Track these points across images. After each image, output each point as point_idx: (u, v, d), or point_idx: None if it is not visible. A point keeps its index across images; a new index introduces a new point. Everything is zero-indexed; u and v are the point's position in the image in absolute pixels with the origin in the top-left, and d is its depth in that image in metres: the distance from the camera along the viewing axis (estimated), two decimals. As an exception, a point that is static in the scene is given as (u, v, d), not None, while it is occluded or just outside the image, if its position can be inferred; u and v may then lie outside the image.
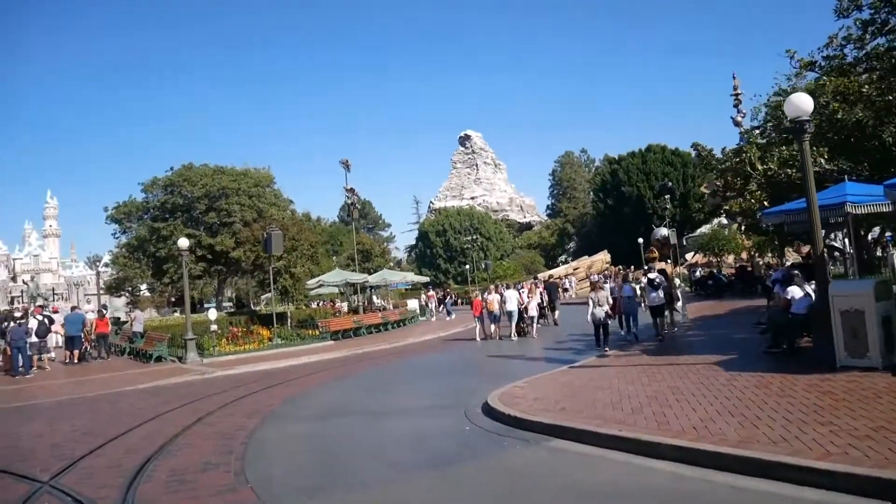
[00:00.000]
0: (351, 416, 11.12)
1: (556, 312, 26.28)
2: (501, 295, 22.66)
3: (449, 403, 11.60)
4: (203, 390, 15.58)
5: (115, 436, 10.47)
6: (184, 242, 22.50)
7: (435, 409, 11.26)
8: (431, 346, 23.42)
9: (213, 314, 24.89)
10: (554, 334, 22.76)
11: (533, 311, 22.76)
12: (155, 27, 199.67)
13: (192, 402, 13.81)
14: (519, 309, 22.24)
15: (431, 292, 42.34)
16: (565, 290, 42.99)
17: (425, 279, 43.46)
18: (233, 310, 42.06)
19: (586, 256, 67.08)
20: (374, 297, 41.20)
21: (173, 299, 52.38)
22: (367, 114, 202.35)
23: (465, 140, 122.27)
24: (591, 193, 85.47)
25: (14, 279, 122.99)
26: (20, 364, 20.71)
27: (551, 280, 29.37)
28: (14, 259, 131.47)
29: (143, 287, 52.52)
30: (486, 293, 23.88)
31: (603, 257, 62.21)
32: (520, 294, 22.78)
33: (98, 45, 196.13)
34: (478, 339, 22.80)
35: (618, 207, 69.26)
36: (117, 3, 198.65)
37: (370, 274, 41.48)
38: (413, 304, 40.11)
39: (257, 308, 49.65)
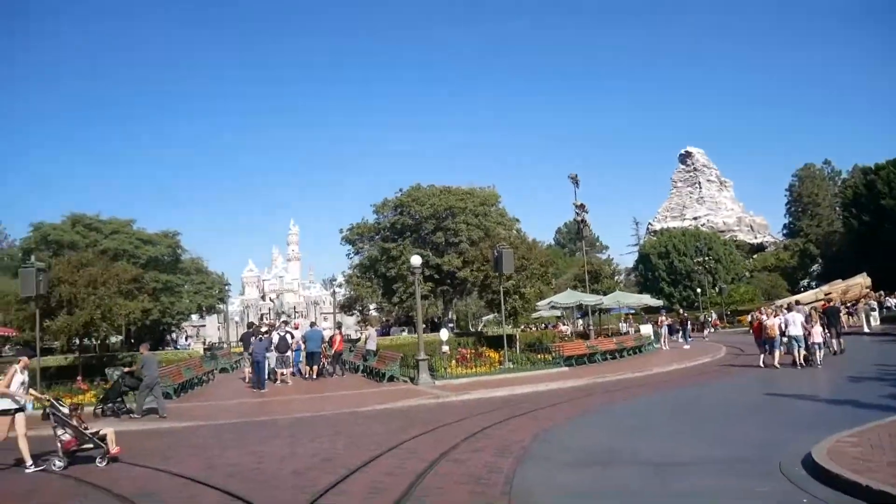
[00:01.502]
0: (625, 467, 8.90)
1: (841, 340, 22.38)
2: (783, 319, 19.50)
3: (749, 455, 8.96)
4: (440, 416, 14.31)
5: (357, 467, 9.31)
6: (416, 260, 21.91)
7: (734, 464, 8.66)
8: (685, 377, 20.36)
9: (444, 335, 24.12)
10: (842, 366, 18.80)
11: (818, 338, 19.14)
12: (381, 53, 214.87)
13: (432, 430, 12.51)
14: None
15: (663, 317, 38.62)
16: (850, 314, 37.49)
17: (658, 303, 39.95)
18: (457, 331, 41.79)
19: (840, 280, 58.24)
20: (623, 322, 38.49)
21: (384, 320, 53.91)
22: (580, 133, 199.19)
23: (685, 157, 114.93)
24: (841, 209, 75.34)
25: (263, 298, 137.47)
26: (261, 377, 21.48)
27: (831, 304, 24.83)
28: (263, 280, 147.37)
29: (373, 306, 54.64)
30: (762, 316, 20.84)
31: (862, 281, 53.41)
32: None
33: (334, 79, 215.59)
34: (762, 364, 19.95)
35: (876, 224, 59.87)
36: (354, 34, 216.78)
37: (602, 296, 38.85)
38: (646, 329, 36.74)
39: (476, 329, 49.18)
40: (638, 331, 36.28)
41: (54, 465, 10.51)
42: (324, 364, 24.64)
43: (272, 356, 23.22)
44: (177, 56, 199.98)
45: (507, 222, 44.90)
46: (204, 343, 59.84)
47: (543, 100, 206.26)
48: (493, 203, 45.15)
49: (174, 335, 54.18)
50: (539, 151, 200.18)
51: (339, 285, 58.58)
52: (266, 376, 22.46)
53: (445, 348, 22.55)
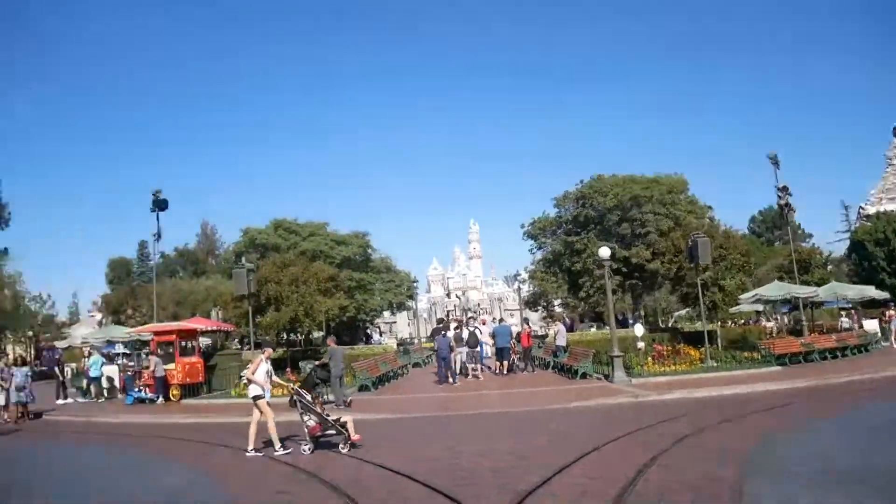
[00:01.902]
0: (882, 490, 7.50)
1: None
2: None
3: None
4: (641, 417, 13.38)
5: (559, 468, 8.80)
6: (605, 252, 20.96)
7: None
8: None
9: (639, 330, 22.93)
10: None
11: None
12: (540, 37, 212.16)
13: (635, 431, 11.67)
14: None
15: (892, 311, 33.82)
16: None
17: (884, 294, 35.04)
18: (647, 327, 39.80)
19: None
20: (843, 318, 34.48)
21: (569, 316, 52.53)
22: (778, 107, 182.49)
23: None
24: None
25: (448, 295, 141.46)
26: (445, 373, 21.79)
27: None
28: (448, 278, 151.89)
29: (557, 301, 53.83)
30: None
31: None
32: None
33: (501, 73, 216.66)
34: None
35: None
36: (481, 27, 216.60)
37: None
38: (870, 325, 32.39)
39: (668, 325, 46.52)
40: (861, 327, 32.05)
41: (303, 448, 11.13)
42: (514, 360, 24.45)
43: (463, 351, 23.46)
44: (363, 61, 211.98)
45: (698, 210, 41.97)
46: (396, 338, 62.56)
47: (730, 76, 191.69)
48: (682, 190, 42.40)
49: (369, 331, 57.23)
50: (726, 135, 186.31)
51: (523, 281, 58.47)
52: (458, 371, 22.74)
53: (641, 344, 21.36)
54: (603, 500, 7.15)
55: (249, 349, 27.20)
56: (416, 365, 30.81)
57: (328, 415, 11.51)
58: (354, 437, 11.12)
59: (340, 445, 11.08)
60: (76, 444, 15.36)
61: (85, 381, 25.03)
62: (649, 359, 21.51)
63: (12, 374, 18.86)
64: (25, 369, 19.57)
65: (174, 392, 21.97)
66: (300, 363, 23.96)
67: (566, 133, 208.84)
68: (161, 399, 21.71)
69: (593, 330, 40.45)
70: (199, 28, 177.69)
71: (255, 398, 11.55)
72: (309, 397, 11.63)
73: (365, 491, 8.29)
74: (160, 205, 29.73)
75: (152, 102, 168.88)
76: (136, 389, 22.18)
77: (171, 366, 22.38)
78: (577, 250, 40.43)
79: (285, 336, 27.14)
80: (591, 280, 39.12)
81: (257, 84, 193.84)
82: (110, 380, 24.73)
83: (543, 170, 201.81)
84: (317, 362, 19.46)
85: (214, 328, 28.57)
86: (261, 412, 11.54)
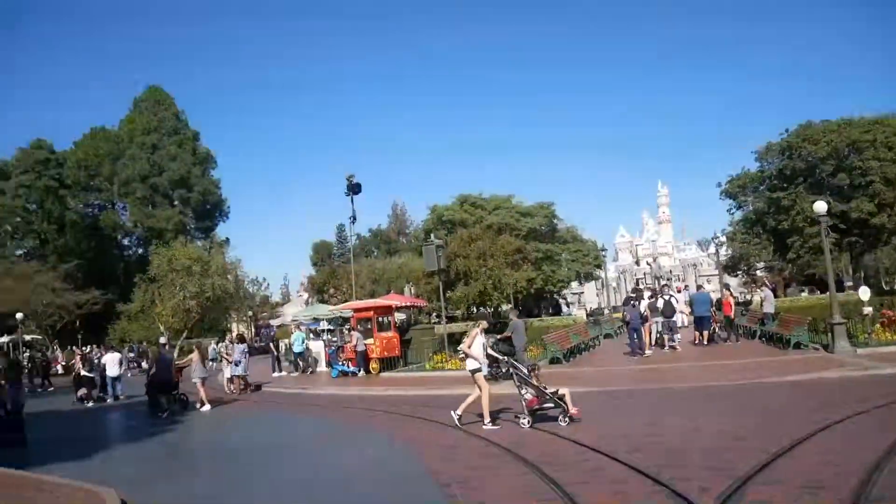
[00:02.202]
0: None
1: None
2: None
3: None
4: (873, 392, 11.65)
5: (780, 451, 7.83)
6: (821, 206, 18.57)
7: None
8: None
9: (864, 293, 20.20)
10: None
11: None
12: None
13: (867, 410, 10.11)
14: None
15: None
16: None
17: None
18: (873, 290, 35.24)
19: None
20: None
21: (773, 280, 47.91)
22: None
23: None
24: None
25: (637, 263, 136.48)
26: (637, 344, 20.78)
27: None
28: (636, 245, 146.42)
29: (760, 265, 49.56)
30: None
31: None
32: None
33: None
34: None
35: None
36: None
37: None
38: None
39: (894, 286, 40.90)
40: None
41: (521, 422, 10.95)
42: (714, 329, 22.75)
43: (658, 321, 22.28)
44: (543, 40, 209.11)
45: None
46: (586, 309, 61.44)
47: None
48: (914, 129, 36.67)
49: (557, 302, 56.75)
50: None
51: (721, 244, 54.58)
52: (654, 342, 21.66)
53: (867, 310, 18.78)
54: (840, 493, 6.18)
55: (439, 322, 28.03)
56: (607, 336, 29.90)
57: (545, 387, 11.18)
58: (573, 410, 10.77)
59: (560, 418, 10.75)
60: (290, 413, 16.71)
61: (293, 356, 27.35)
62: (878, 326, 18.89)
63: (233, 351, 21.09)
64: (242, 346, 21.66)
65: (373, 365, 23.17)
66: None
67: (760, 78, 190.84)
68: (362, 372, 22.99)
69: (804, 295, 36.65)
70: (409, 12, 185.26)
71: (474, 371, 11.43)
72: (525, 370, 11.40)
73: (562, 468, 7.96)
74: (354, 188, 31.39)
75: (348, 89, 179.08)
76: (340, 363, 23.70)
77: (370, 341, 23.60)
78: (784, 207, 36.69)
79: (475, 309, 27.58)
80: (802, 240, 35.37)
81: (443, 63, 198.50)
82: (316, 354, 26.70)
83: (736, 123, 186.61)
84: (499, 336, 19.40)
85: (408, 304, 29.77)
86: (479, 386, 11.40)
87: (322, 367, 25.96)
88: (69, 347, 44.40)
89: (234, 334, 25.21)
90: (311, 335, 32.42)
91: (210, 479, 9.62)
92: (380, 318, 24.56)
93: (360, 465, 9.55)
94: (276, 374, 25.69)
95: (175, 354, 46.07)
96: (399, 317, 33.11)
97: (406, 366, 23.86)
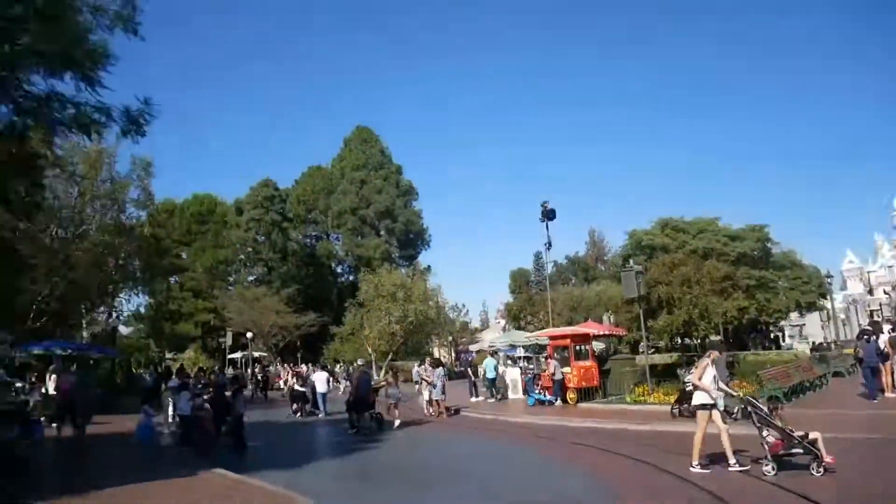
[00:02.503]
0: None
1: None
2: None
3: None
4: None
5: None
6: None
7: None
8: None
9: None
10: None
11: None
12: None
13: None
14: None
15: None
16: None
17: None
18: None
19: None
20: None
21: None
22: None
23: None
24: None
25: (870, 292, 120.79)
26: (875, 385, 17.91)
27: None
28: (868, 272, 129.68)
29: None
30: None
31: None
32: None
33: None
34: None
35: None
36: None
37: None
38: None
39: None
40: None
41: (765, 470, 9.63)
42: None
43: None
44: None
45: None
46: (809, 343, 55.26)
47: None
48: None
49: (773, 334, 51.62)
50: None
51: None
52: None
53: None
54: None
55: (643, 353, 26.55)
56: (836, 374, 26.37)
57: (791, 430, 9.74)
58: (827, 458, 9.29)
59: (812, 467, 9.27)
60: (482, 438, 16.55)
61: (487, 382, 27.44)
62: None
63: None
64: (440, 370, 22.06)
65: (570, 395, 22.42)
66: (677, 371, 22.30)
67: None
68: (558, 401, 22.33)
69: None
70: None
71: (701, 407, 10.36)
72: (765, 408, 10.09)
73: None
74: (548, 214, 31.05)
75: (538, 112, 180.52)
76: (536, 391, 23.25)
77: (567, 369, 22.91)
78: None
79: (679, 340, 25.69)
80: None
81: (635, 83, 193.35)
82: (512, 381, 26.48)
83: None
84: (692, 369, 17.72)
85: (606, 333, 28.61)
86: (706, 422, 10.28)
87: (518, 394, 25.66)
88: (286, 364, 48.53)
89: (429, 359, 25.81)
90: (509, 362, 32.33)
91: (395, 496, 9.63)
92: (577, 347, 23.79)
93: (552, 499, 9.03)
94: (473, 399, 25.86)
95: (381, 375, 48.59)
96: (598, 346, 32.00)
97: (605, 397, 22.80)
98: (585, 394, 22.66)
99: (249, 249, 68.74)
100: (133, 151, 34.44)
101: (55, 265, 25.43)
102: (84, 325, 39.32)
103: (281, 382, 39.30)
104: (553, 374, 22.67)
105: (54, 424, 15.74)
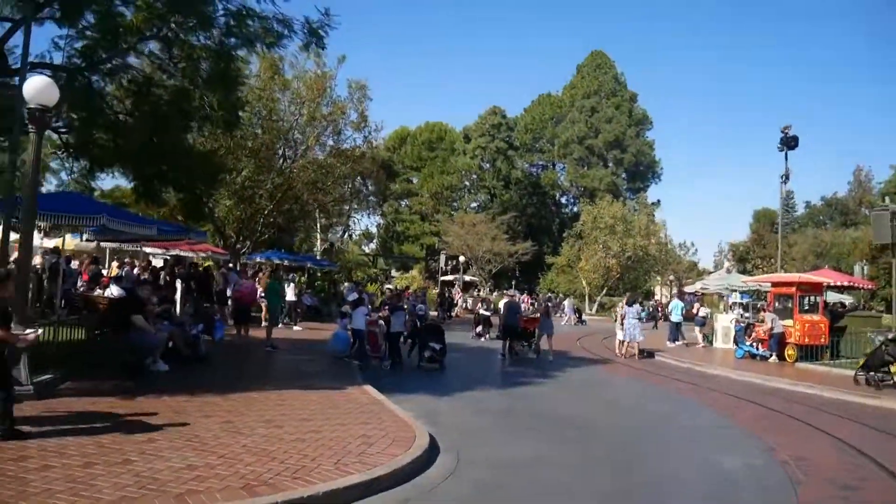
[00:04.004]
0: None
1: None
2: None
3: None
4: None
5: None
6: None
7: None
8: None
9: None
10: None
11: None
12: None
13: None
14: None
15: None
16: None
17: None
18: None
19: None
20: None
21: None
22: None
23: None
24: None
25: None
26: None
27: None
28: None
29: None
30: None
31: None
32: None
33: None
34: None
35: None
36: None
37: None
38: None
39: None
40: None
41: None
42: None
43: None
44: None
45: None
46: None
47: None
48: None
49: None
50: None
51: None
52: None
53: None
54: None
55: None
56: None
57: None
58: None
59: None
60: (665, 388, 14.70)
61: (696, 328, 24.83)
62: None
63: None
64: (634, 308, 20.20)
65: (789, 352, 19.29)
66: (870, 334, 17.94)
67: None
68: (773, 357, 19.38)
69: None
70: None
71: None
72: None
73: None
74: (789, 142, 26.76)
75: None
76: (747, 343, 20.40)
77: (789, 322, 19.72)
78: None
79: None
80: None
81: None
82: (725, 329, 23.66)
83: None
84: (890, 335, 14.64)
85: (846, 284, 24.17)
86: None
87: (728, 343, 22.85)
88: (493, 291, 48.91)
89: (627, 295, 23.84)
90: (735, 309, 29.13)
91: (531, 441, 8.59)
92: (804, 297, 20.29)
93: (720, 478, 7.39)
94: (670, 344, 23.57)
95: (594, 309, 47.12)
96: (840, 298, 27.44)
97: (834, 358, 19.25)
98: (810, 352, 19.32)
99: (474, 176, 69.92)
100: (351, 75, 35.74)
101: (279, 183, 27.49)
102: (318, 239, 43.03)
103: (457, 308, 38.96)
104: (772, 328, 19.66)
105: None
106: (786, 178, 26.92)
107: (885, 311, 27.61)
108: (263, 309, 18.38)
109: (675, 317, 24.24)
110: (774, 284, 21.81)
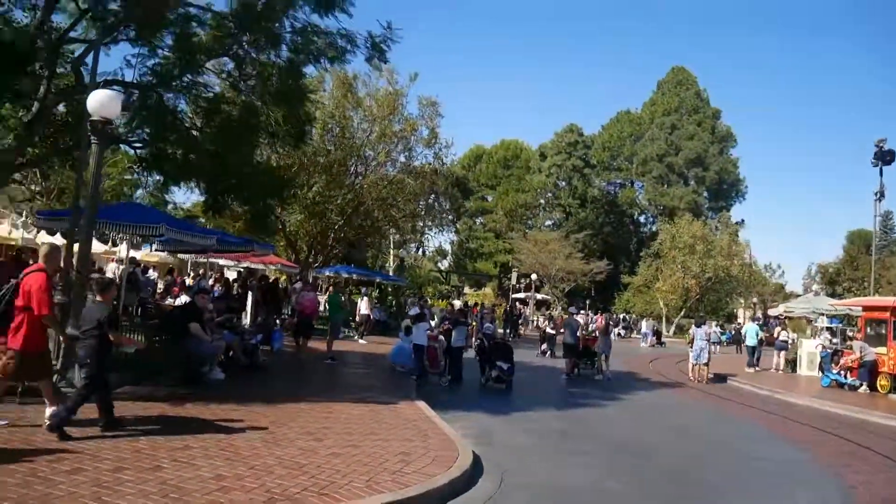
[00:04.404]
0: None
1: None
2: None
3: None
4: None
5: None
6: None
7: None
8: None
9: None
10: None
11: None
12: None
13: None
14: None
15: None
16: None
17: None
18: None
19: None
20: None
21: None
22: None
23: None
24: None
25: None
26: None
27: None
28: None
29: None
30: None
31: None
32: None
33: None
34: None
35: None
36: None
37: None
38: None
39: None
40: None
41: None
42: None
43: None
44: None
45: None
46: None
47: None
48: None
49: None
50: None
51: None
52: None
53: None
54: None
55: None
56: None
57: None
58: None
59: None
60: (734, 416, 13.80)
61: (776, 352, 23.41)
62: None
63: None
64: (703, 329, 19.25)
65: (882, 382, 17.84)
66: None
67: None
68: (864, 387, 17.97)
69: None
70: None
71: None
72: None
73: None
74: (885, 157, 25.08)
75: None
76: (834, 371, 19.01)
77: (882, 350, 18.26)
78: None
79: None
80: None
81: None
82: (809, 354, 22.18)
83: None
84: None
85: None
86: None
87: (813, 370, 21.38)
88: (555, 309, 47.83)
89: (697, 318, 22.71)
90: (822, 334, 27.35)
91: (581, 467, 8.12)
92: (900, 322, 18.75)
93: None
94: (748, 370, 22.26)
95: (670, 330, 45.36)
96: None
97: (934, 390, 17.67)
98: (905, 383, 17.82)
99: (549, 194, 69.13)
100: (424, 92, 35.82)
101: (350, 199, 27.85)
102: (390, 255, 43.37)
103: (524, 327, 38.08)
104: (863, 355, 18.26)
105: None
106: (881, 195, 25.19)
107: None
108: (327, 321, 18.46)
109: (751, 340, 22.99)
110: (866, 308, 20.31)
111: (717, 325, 19.98)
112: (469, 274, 67.22)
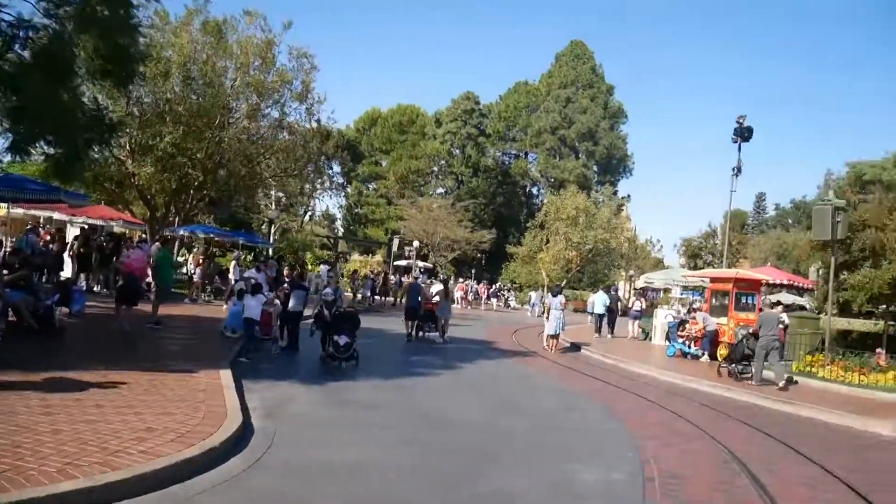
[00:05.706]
0: None
1: None
2: None
3: None
4: None
5: None
6: None
7: None
8: None
9: None
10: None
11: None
12: None
13: None
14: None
15: None
16: None
17: None
18: None
19: None
20: None
21: None
22: None
23: None
24: None
25: None
26: None
27: None
28: None
29: None
30: None
31: None
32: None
33: None
34: None
35: None
36: None
37: None
38: None
39: None
40: None
41: None
42: None
43: None
44: None
45: None
46: None
47: None
48: None
49: None
50: None
51: None
52: None
53: None
54: None
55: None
56: None
57: None
58: None
59: None
60: (570, 384, 13.60)
61: (630, 321, 24.07)
62: None
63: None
64: (558, 298, 19.27)
65: (721, 351, 18.38)
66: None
67: None
68: (705, 356, 18.50)
69: None
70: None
71: None
72: None
73: None
74: (742, 133, 25.85)
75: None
76: (680, 341, 19.48)
77: (723, 320, 18.83)
78: None
79: (885, 305, 19.77)
80: None
81: None
82: (660, 324, 22.80)
83: None
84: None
85: (786, 282, 23.34)
86: None
87: (659, 339, 21.96)
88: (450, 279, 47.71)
89: (553, 287, 22.88)
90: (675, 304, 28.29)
91: (372, 442, 7.45)
92: (742, 295, 19.37)
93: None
94: (596, 335, 22.80)
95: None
96: (797, 300, 26.60)
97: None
98: (743, 353, 18.43)
99: (443, 161, 68.57)
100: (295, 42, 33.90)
101: (211, 153, 26.01)
102: (263, 214, 41.25)
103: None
104: (705, 326, 18.79)
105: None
106: (738, 170, 25.98)
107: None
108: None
109: (599, 308, 23.42)
110: (713, 280, 20.98)
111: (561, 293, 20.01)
112: (359, 240, 65.92)
